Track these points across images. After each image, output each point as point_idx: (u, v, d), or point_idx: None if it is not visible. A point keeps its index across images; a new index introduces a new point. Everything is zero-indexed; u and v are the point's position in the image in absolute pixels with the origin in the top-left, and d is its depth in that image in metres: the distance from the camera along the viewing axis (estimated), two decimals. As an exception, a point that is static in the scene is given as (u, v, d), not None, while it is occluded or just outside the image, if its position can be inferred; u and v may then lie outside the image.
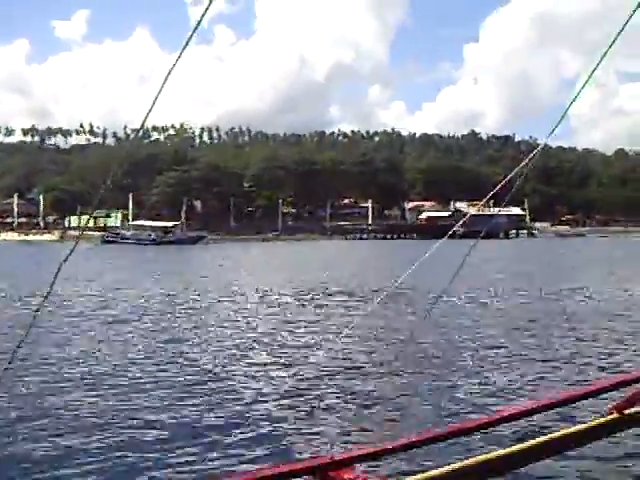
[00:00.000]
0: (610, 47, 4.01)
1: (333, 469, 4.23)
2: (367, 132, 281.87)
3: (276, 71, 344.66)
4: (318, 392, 11.19)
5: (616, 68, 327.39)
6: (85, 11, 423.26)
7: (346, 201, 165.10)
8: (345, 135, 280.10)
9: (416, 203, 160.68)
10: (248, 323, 19.75)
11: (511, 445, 5.48)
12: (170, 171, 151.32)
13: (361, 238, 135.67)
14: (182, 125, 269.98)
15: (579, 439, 5.97)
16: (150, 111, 3.15)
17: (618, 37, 3.93)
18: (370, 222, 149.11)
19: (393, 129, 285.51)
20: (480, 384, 11.65)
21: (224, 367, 13.45)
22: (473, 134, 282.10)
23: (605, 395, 6.00)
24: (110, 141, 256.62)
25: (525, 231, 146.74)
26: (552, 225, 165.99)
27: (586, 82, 4.24)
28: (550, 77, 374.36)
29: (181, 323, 19.80)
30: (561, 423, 7.55)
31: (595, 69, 4.15)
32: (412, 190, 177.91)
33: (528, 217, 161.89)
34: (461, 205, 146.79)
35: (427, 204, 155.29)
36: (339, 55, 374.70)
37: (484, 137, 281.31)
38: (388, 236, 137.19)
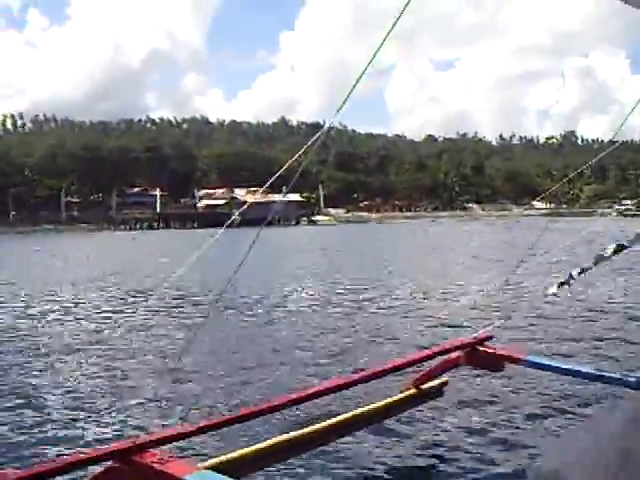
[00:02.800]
0: (388, 34, 4.18)
1: (135, 453, 4.41)
2: (175, 119, 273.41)
3: (91, 58, 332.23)
4: (119, 378, 11.00)
5: (429, 56, 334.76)
6: None
7: (136, 189, 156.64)
8: (154, 122, 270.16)
9: (207, 191, 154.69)
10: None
11: (319, 422, 6.32)
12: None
13: (147, 228, 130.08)
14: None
15: (382, 414, 6.91)
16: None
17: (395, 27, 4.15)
18: (159, 211, 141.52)
19: (202, 116, 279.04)
20: (284, 364, 11.52)
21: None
22: (283, 121, 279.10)
23: (404, 371, 6.77)
24: None
25: (305, 219, 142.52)
26: (348, 212, 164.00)
27: (368, 64, 4.24)
28: (366, 65, 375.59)
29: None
30: (364, 399, 7.66)
31: (376, 52, 4.22)
32: (206, 178, 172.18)
33: (322, 203, 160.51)
34: (239, 192, 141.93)
35: (218, 192, 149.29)
36: (155, 42, 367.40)
37: (294, 124, 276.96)
38: (176, 225, 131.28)
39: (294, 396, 5.72)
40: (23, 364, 12.23)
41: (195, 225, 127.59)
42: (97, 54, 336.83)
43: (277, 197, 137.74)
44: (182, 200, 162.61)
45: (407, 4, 4.00)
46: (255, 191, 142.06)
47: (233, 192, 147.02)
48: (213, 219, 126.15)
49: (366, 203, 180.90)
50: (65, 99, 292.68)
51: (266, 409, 5.35)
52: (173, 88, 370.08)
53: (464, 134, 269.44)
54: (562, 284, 6.71)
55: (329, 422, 6.37)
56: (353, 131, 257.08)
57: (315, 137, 4.74)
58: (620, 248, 6.33)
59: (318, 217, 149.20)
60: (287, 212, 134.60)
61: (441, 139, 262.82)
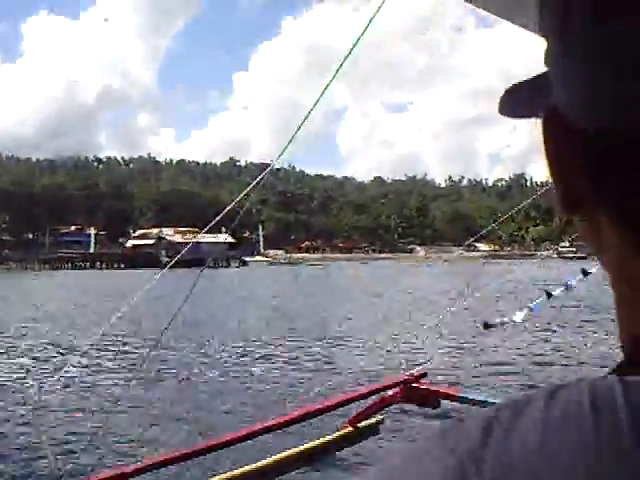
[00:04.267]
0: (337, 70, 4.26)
1: None
2: (122, 158, 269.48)
3: (43, 95, 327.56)
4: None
5: (381, 100, 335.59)
6: None
7: (72, 228, 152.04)
8: (100, 161, 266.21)
9: (144, 231, 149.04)
10: None
11: (255, 461, 6.02)
12: None
13: (80, 268, 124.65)
14: None
15: (319, 452, 6.80)
16: None
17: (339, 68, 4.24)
18: (92, 251, 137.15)
19: (149, 155, 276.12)
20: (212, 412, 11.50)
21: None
22: (232, 161, 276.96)
23: (342, 408, 6.57)
24: None
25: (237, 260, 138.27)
26: (287, 252, 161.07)
27: (314, 104, 4.34)
28: (320, 107, 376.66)
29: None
30: (301, 437, 7.39)
31: (323, 92, 4.37)
32: (143, 217, 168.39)
33: (262, 244, 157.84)
34: (168, 232, 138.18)
35: (155, 231, 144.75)
36: (108, 80, 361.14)
37: (242, 164, 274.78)
38: (104, 266, 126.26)
39: (229, 437, 5.72)
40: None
41: (122, 266, 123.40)
42: (49, 92, 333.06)
43: (207, 238, 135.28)
44: (120, 239, 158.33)
45: (352, 47, 4.05)
46: (185, 232, 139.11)
47: (162, 232, 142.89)
48: (140, 259, 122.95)
49: (307, 243, 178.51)
50: (15, 135, 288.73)
51: (203, 449, 5.39)
52: (126, 127, 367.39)
53: (413, 176, 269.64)
54: (487, 326, 7.26)
55: (265, 461, 6.24)
56: (302, 172, 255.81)
57: (256, 180, 4.92)
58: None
59: (257, 257, 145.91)
60: (217, 253, 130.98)
61: (390, 181, 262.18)
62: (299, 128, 4.26)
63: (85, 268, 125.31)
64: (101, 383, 15.13)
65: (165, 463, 5.22)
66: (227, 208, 4.68)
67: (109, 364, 17.97)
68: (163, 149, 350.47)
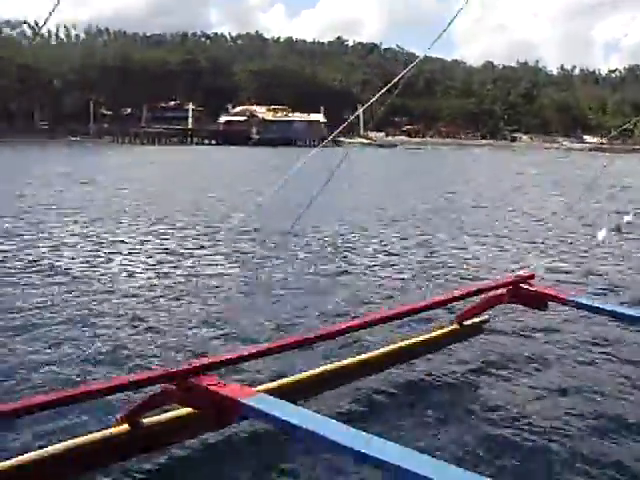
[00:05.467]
0: None
1: (192, 375, 4.60)
2: (230, 34, 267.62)
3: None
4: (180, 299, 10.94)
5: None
6: None
7: (172, 103, 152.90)
8: (208, 37, 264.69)
9: (243, 107, 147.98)
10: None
11: (365, 352, 6.79)
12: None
13: (172, 143, 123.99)
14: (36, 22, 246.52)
15: (425, 347, 7.17)
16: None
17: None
18: (190, 127, 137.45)
19: (257, 32, 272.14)
20: (335, 296, 11.40)
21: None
22: (339, 40, 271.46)
23: (449, 306, 7.40)
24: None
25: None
26: (388, 135, 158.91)
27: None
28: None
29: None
30: (408, 333, 8.00)
31: None
32: (243, 93, 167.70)
33: (362, 125, 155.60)
34: (260, 110, 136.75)
35: (252, 108, 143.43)
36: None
37: (350, 44, 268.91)
38: (195, 141, 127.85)
39: (342, 326, 6.26)
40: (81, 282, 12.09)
41: (212, 142, 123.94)
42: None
43: (298, 116, 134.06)
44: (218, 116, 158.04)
45: None
46: (277, 109, 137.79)
47: (255, 110, 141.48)
48: (231, 136, 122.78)
49: (408, 127, 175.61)
50: (126, 13, 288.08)
51: (314, 338, 5.96)
52: (236, 4, 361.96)
53: (524, 62, 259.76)
54: (614, 230, 6.92)
55: (374, 353, 6.71)
56: (412, 54, 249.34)
57: (408, 68, 5.14)
58: None
59: (356, 139, 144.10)
60: (309, 133, 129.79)
61: (500, 66, 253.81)
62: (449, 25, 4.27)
63: (177, 143, 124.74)
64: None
65: (284, 348, 5.66)
66: (364, 106, 4.99)
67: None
68: (273, 26, 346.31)
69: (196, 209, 24.80)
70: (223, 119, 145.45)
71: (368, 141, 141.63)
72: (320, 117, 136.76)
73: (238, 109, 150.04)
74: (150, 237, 18.04)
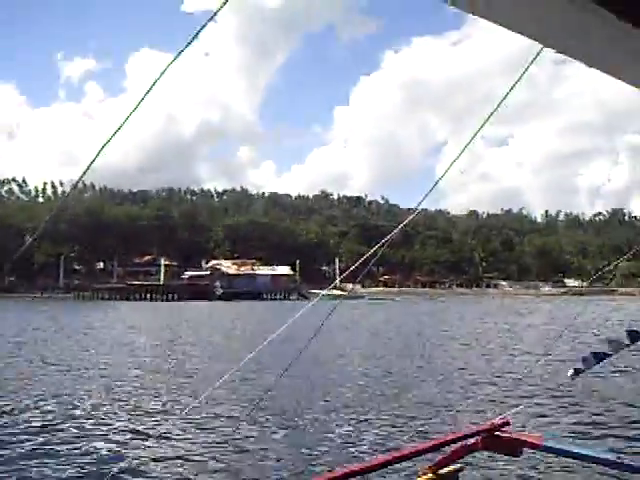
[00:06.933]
0: (484, 123, 3.97)
1: None
2: (215, 190, 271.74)
3: (144, 130, 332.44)
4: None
5: (482, 134, 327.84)
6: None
7: (146, 258, 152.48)
8: (193, 192, 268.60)
9: (220, 262, 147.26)
10: None
11: None
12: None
13: (147, 299, 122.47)
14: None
15: None
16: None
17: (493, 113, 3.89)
18: (162, 282, 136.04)
19: (242, 187, 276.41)
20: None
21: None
22: (323, 194, 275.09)
23: (423, 457, 6.62)
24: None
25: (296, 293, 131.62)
26: (364, 286, 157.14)
27: (457, 157, 4.05)
28: (419, 142, 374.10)
29: None
30: None
31: (467, 145, 4.04)
32: (218, 249, 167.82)
33: (338, 277, 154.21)
34: (222, 263, 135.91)
35: (217, 263, 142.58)
36: (208, 115, 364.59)
37: (335, 197, 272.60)
38: (160, 297, 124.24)
39: None
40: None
41: (176, 297, 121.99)
42: (150, 126, 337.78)
43: (263, 270, 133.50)
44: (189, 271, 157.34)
45: (510, 89, 3.76)
46: (242, 263, 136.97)
47: (219, 264, 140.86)
48: (196, 292, 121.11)
49: (386, 277, 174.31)
50: (116, 169, 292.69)
51: None
52: (226, 161, 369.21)
53: (508, 210, 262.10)
54: (578, 371, 6.45)
55: None
56: (395, 206, 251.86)
57: (403, 223, 4.86)
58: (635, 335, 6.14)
59: (333, 291, 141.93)
60: (275, 286, 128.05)
61: (485, 215, 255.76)
62: (441, 178, 4.01)
63: (148, 299, 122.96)
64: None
65: None
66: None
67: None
68: (264, 182, 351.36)
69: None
70: (187, 274, 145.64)
71: (339, 293, 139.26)
72: (286, 270, 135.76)
73: (230, 264, 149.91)
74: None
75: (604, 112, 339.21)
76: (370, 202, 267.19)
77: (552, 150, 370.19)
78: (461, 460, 7.25)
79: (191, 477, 10.98)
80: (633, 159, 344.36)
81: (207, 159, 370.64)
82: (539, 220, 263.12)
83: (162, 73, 2.68)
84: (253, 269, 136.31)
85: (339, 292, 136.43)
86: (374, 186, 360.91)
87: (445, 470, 7.01)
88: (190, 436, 14.28)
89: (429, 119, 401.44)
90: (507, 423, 7.03)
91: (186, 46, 2.55)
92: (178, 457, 12.13)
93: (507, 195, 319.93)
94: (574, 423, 13.89)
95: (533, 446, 6.77)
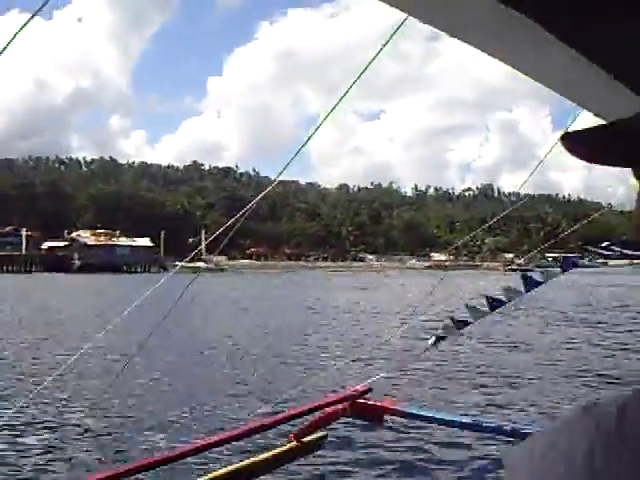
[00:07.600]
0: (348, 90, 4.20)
1: None
2: (84, 159, 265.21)
3: (13, 95, 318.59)
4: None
5: (355, 108, 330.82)
6: None
7: (7, 228, 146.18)
8: (62, 162, 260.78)
9: (79, 233, 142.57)
10: None
11: (199, 477, 6.41)
12: None
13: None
14: None
15: (264, 467, 6.92)
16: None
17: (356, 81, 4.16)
18: (25, 252, 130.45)
19: (111, 157, 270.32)
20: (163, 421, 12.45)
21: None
22: (195, 165, 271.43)
23: (285, 426, 7.19)
24: None
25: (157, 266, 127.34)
26: (229, 259, 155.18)
27: (320, 124, 4.39)
28: (292, 113, 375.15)
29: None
30: (245, 453, 8.17)
31: (331, 111, 4.33)
32: (81, 219, 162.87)
33: (204, 249, 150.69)
34: (83, 234, 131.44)
35: (84, 233, 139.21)
36: (80, 82, 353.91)
37: (206, 168, 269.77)
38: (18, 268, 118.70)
39: (175, 453, 5.88)
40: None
41: (35, 269, 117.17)
42: (19, 91, 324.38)
43: (122, 241, 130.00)
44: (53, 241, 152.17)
45: (373, 58, 4.21)
46: (100, 234, 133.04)
47: (79, 234, 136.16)
48: (55, 263, 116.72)
49: (253, 250, 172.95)
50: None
51: (147, 465, 5.38)
52: (97, 129, 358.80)
53: (379, 184, 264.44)
54: (439, 338, 6.96)
55: (212, 475, 6.34)
56: (266, 178, 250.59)
57: (260, 196, 5.35)
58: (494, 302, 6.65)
59: (198, 263, 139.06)
60: (135, 258, 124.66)
61: (355, 189, 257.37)
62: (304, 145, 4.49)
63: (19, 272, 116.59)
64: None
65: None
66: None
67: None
68: (134, 151, 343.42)
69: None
70: (46, 245, 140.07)
71: (202, 265, 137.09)
72: (146, 242, 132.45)
73: (95, 233, 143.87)
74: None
75: (477, 89, 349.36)
76: (241, 174, 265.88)
77: (424, 125, 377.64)
78: (325, 428, 7.46)
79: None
80: (503, 136, 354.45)
81: (78, 127, 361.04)
82: (409, 194, 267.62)
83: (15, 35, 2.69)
84: (112, 240, 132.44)
85: (202, 264, 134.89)
86: (247, 158, 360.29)
87: (309, 438, 7.19)
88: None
89: (304, 91, 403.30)
90: (370, 390, 7.17)
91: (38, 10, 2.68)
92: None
93: (379, 169, 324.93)
94: (436, 389, 14.52)
95: (395, 412, 7.16)
